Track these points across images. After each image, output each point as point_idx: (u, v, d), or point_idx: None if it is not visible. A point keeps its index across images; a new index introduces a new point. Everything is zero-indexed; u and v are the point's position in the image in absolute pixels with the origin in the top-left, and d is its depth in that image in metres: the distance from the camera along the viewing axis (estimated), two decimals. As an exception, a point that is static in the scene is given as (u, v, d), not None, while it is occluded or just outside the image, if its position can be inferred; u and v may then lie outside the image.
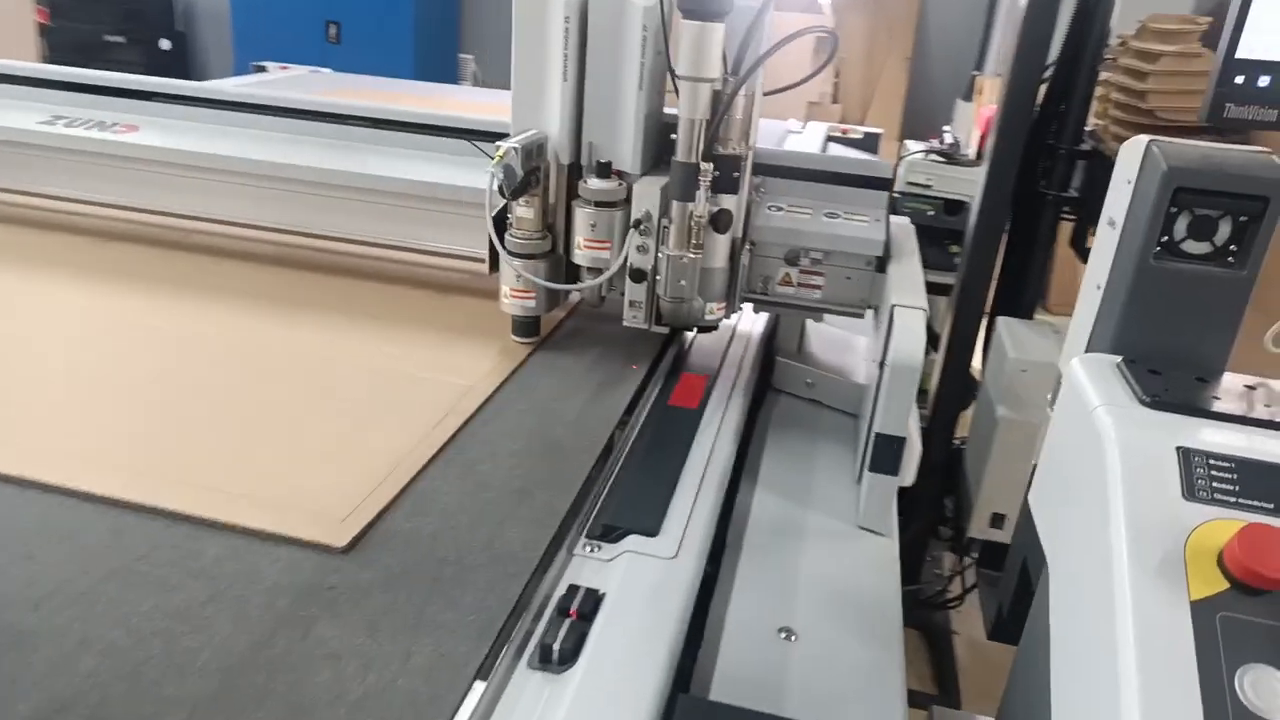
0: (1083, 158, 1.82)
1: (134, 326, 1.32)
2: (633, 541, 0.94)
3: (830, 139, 3.41)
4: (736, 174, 1.20)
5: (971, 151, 3.55)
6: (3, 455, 0.97)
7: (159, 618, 0.78)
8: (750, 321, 1.57)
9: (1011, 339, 1.67)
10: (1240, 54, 0.68)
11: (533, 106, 1.29)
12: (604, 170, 1.26)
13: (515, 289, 1.33)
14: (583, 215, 1.27)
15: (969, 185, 2.47)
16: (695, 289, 1.23)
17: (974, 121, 4.59)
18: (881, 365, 1.12)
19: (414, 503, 0.97)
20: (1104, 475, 0.60)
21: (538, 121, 1.29)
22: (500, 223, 1.31)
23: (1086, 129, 1.83)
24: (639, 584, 0.88)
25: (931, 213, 3.27)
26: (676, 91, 1.19)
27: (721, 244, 1.25)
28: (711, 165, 1.15)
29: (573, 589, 0.86)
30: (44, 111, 1.67)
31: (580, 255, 1.30)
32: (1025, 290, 1.98)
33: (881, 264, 1.31)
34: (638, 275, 1.25)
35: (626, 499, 1.00)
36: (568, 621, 0.81)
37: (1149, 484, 0.58)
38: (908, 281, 1.23)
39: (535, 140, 1.26)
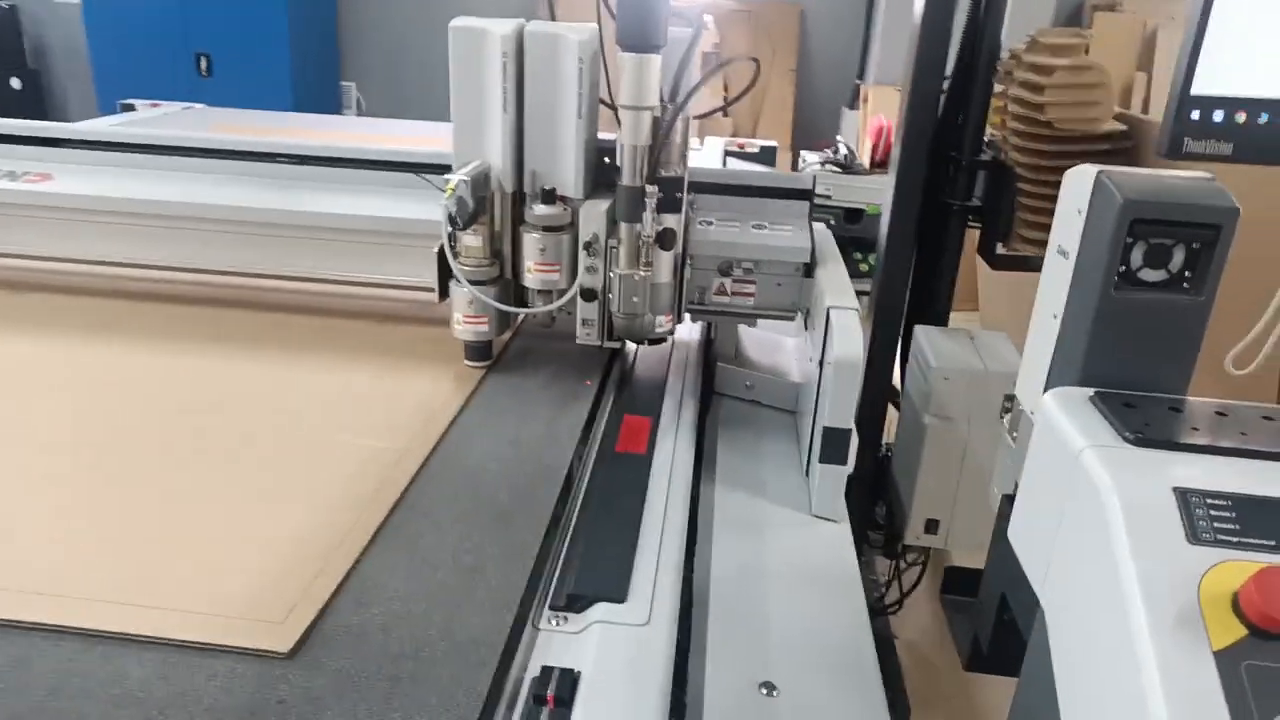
0: (983, 168, 1.87)
1: (34, 386, 1.20)
2: (601, 610, 0.89)
3: (728, 153, 3.45)
4: (678, 194, 1.27)
5: (865, 160, 3.64)
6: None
7: (83, 764, 0.69)
8: (687, 330, 1.61)
9: (931, 347, 1.70)
10: (1195, 90, 0.70)
11: (474, 138, 1.32)
12: (549, 196, 1.31)
13: (468, 315, 1.36)
14: (531, 240, 1.32)
15: (866, 194, 2.54)
16: (647, 304, 1.30)
17: (862, 130, 4.73)
18: (821, 363, 1.22)
19: (358, 592, 0.89)
20: (1103, 522, 0.59)
21: (479, 152, 1.33)
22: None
23: (985, 139, 1.88)
24: (614, 657, 0.83)
25: (832, 222, 3.34)
26: (618, 120, 1.24)
27: (666, 260, 1.32)
28: (655, 188, 1.22)
29: (546, 671, 0.80)
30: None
31: (531, 278, 1.35)
32: (938, 298, 2.02)
33: (809, 270, 1.41)
34: (589, 295, 1.32)
35: (587, 564, 0.95)
36: (546, 711, 0.76)
37: (1152, 530, 0.57)
38: (837, 284, 1.31)
39: (481, 171, 1.30)
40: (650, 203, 1.22)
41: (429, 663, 0.80)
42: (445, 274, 1.35)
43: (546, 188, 1.31)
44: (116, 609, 0.84)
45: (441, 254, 1.32)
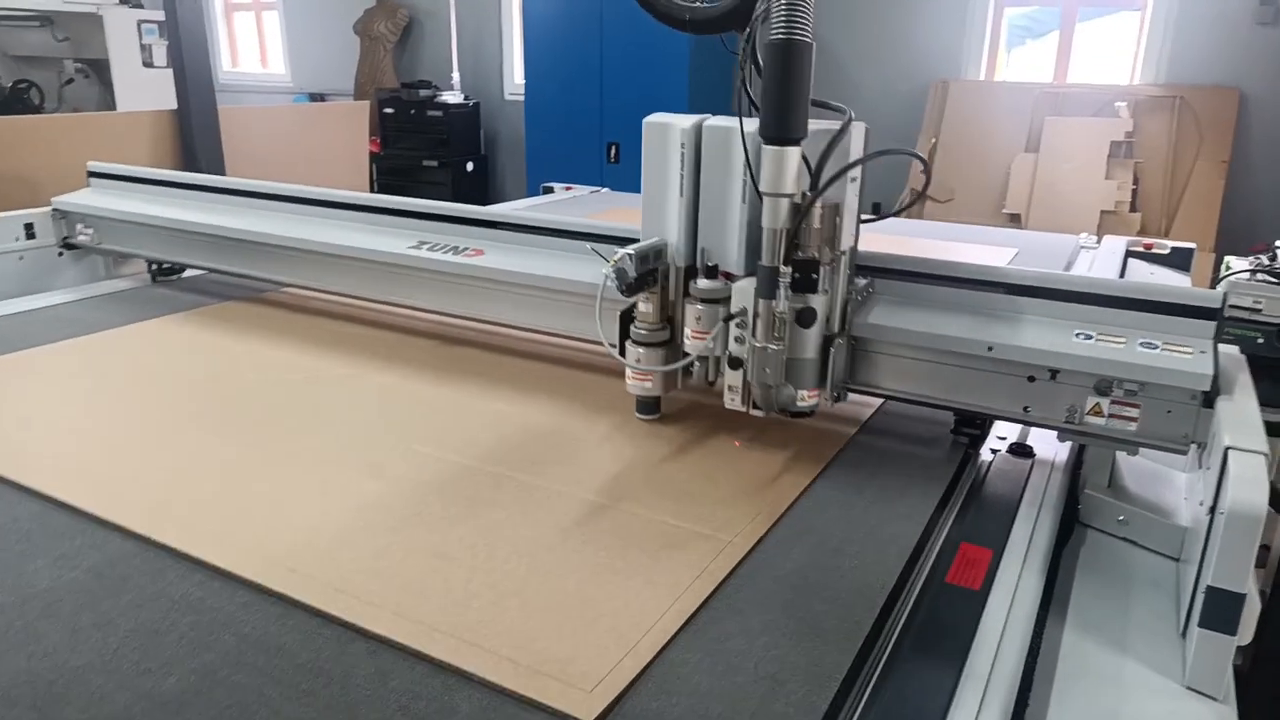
0: None
1: (460, 431, 1.42)
2: (902, 757, 0.82)
3: (1131, 254, 3.09)
4: (815, 275, 1.30)
5: (1313, 271, 3.05)
6: (285, 577, 1.06)
7: (412, 782, 0.78)
8: (1053, 450, 1.48)
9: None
10: None
11: (657, 217, 1.49)
12: (711, 272, 1.43)
13: (636, 373, 1.52)
14: (691, 310, 1.45)
15: (1309, 310, 2.12)
16: (780, 376, 1.35)
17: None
18: (1213, 511, 1.03)
19: (660, 679, 0.92)
20: None
21: (661, 230, 1.49)
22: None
23: None
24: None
25: (1260, 340, 2.84)
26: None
27: (811, 337, 1.37)
28: (790, 269, 1.28)
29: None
30: (411, 238, 1.92)
31: (689, 344, 1.46)
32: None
33: (1209, 399, 1.22)
34: (734, 363, 1.40)
35: (895, 699, 0.89)
36: None
37: None
38: (1243, 420, 1.13)
39: (654, 246, 1.46)
40: (784, 282, 1.28)
41: (717, 769, 0.80)
42: (624, 334, 1.51)
43: (710, 264, 1.43)
44: (463, 646, 0.95)
45: (623, 316, 1.50)
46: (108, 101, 7.18)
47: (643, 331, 1.49)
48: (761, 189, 1.29)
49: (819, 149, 1.31)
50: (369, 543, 1.16)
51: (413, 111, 7.20)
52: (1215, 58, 4.96)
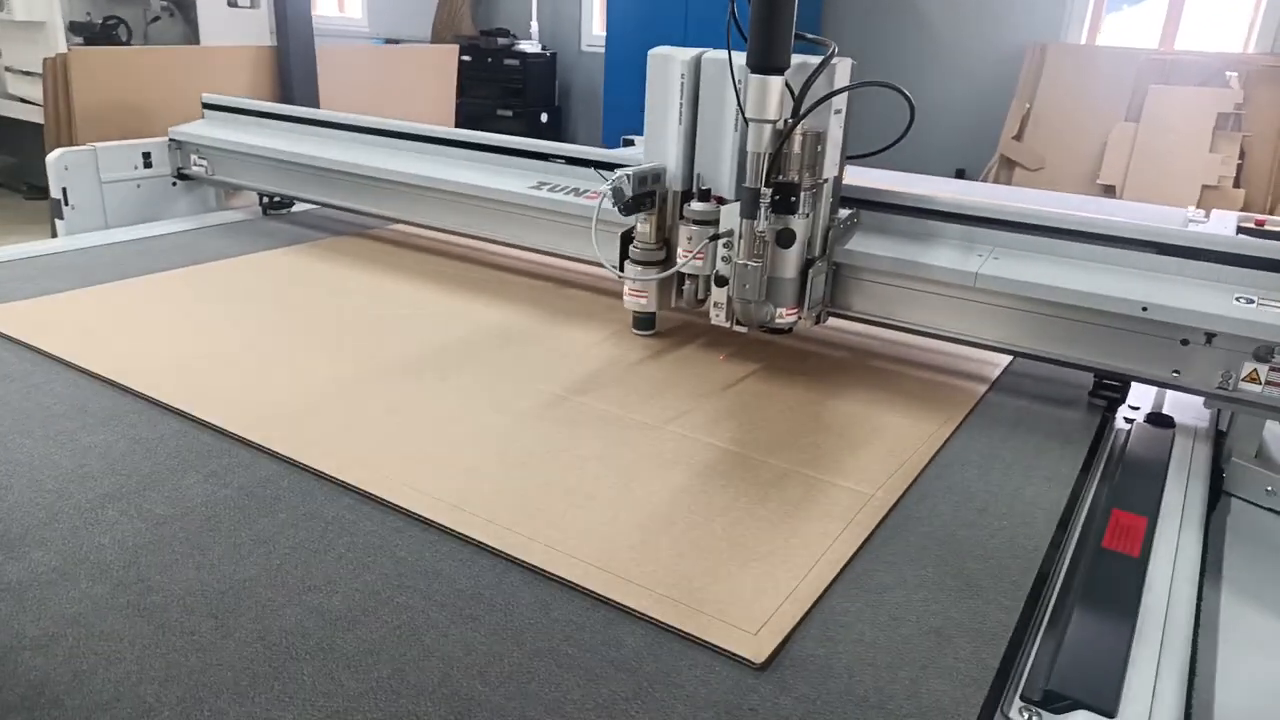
0: None
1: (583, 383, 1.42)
2: (1083, 718, 0.80)
3: (1241, 230, 2.97)
4: (794, 199, 1.34)
5: None
6: (433, 505, 1.07)
7: (589, 708, 0.78)
8: (1194, 416, 1.45)
9: None
10: None
11: (659, 143, 1.58)
12: (704, 195, 1.51)
13: (632, 289, 1.60)
14: (683, 231, 1.53)
15: None
16: (760, 293, 1.40)
17: None
18: None
19: (823, 626, 0.91)
20: None
21: (662, 155, 1.58)
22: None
23: None
24: (1098, 777, 0.75)
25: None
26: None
27: (790, 258, 1.43)
28: (770, 190, 1.34)
29: (1018, 767, 0.74)
30: (532, 178, 1.91)
31: (681, 262, 1.53)
32: None
33: None
34: (720, 280, 1.48)
35: (1069, 662, 0.86)
36: (1016, 809, 0.70)
37: None
38: None
39: (652, 170, 1.53)
40: (764, 203, 1.34)
41: (894, 718, 0.79)
42: (624, 254, 1.60)
43: (703, 188, 1.51)
44: (620, 582, 0.95)
45: (624, 236, 1.59)
46: (191, 39, 7.26)
47: (640, 251, 1.58)
48: (747, 114, 1.35)
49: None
50: (506, 476, 1.16)
51: (489, 60, 7.15)
52: (1338, 26, 4.68)
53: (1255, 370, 1.27)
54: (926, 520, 1.11)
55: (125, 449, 1.19)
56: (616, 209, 1.49)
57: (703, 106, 1.52)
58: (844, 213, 1.52)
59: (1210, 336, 1.29)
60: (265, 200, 2.41)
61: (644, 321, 1.68)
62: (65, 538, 1.00)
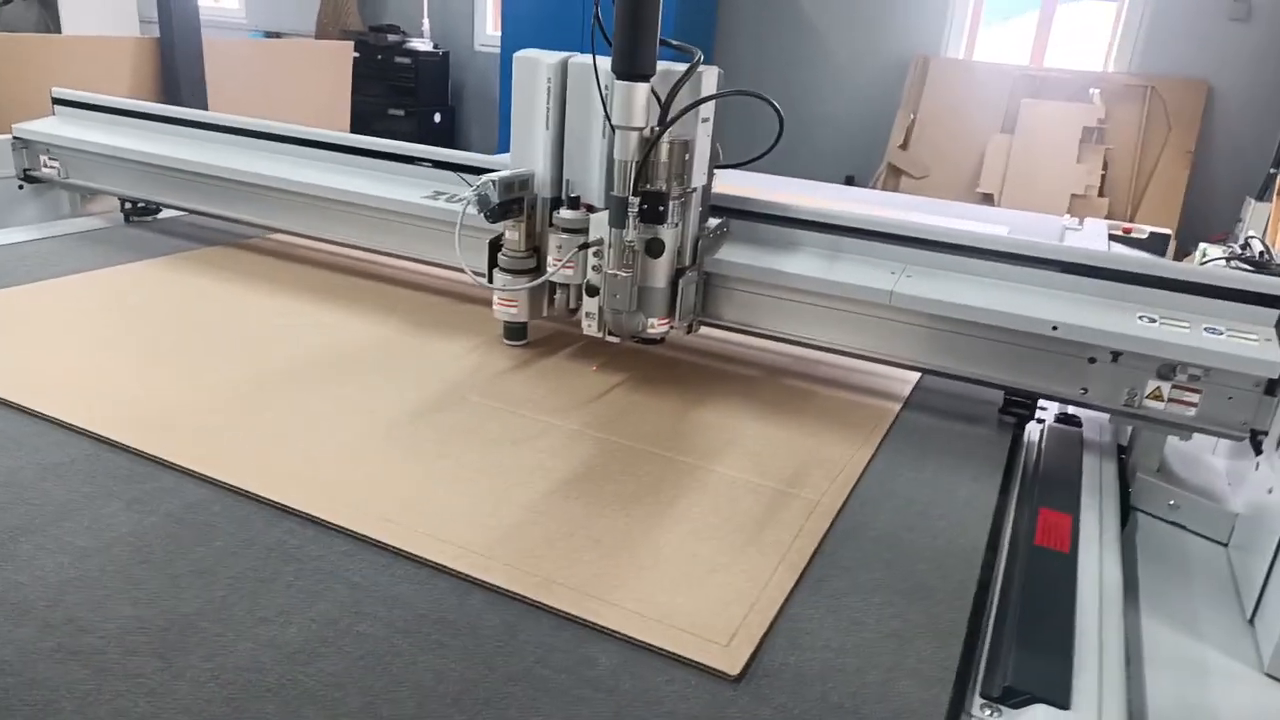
0: None
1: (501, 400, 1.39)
2: (1043, 713, 0.84)
3: (1112, 238, 3.19)
4: (662, 208, 1.35)
5: (1282, 258, 3.18)
6: (381, 526, 1.03)
7: (571, 733, 0.77)
8: (1097, 431, 1.50)
9: None
10: None
11: (525, 150, 1.55)
12: (574, 203, 1.50)
13: (503, 298, 1.59)
14: (554, 239, 1.51)
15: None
16: (629, 303, 1.40)
17: (1276, 224, 4.15)
18: None
19: (789, 634, 0.92)
20: None
21: (529, 161, 1.55)
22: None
23: None
24: (1060, 768, 0.79)
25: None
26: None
27: (660, 267, 1.43)
28: (638, 200, 1.34)
29: (989, 762, 0.78)
30: (426, 188, 1.83)
31: (552, 273, 1.52)
32: None
33: (1271, 386, 1.25)
34: (591, 290, 1.47)
35: (1023, 658, 0.91)
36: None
37: None
38: None
39: (519, 176, 1.50)
40: (632, 212, 1.34)
41: (869, 722, 0.81)
42: (492, 263, 1.59)
43: (572, 195, 1.50)
44: (586, 599, 0.94)
45: (492, 244, 1.58)
46: (49, 26, 6.77)
47: (509, 259, 1.57)
48: (613, 121, 1.34)
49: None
50: (455, 493, 1.13)
51: (379, 57, 6.96)
52: (1187, 50, 5.10)
53: (1159, 388, 1.33)
54: (872, 525, 1.15)
55: (33, 476, 1.10)
56: (482, 215, 1.46)
57: (570, 112, 1.50)
58: (714, 222, 1.54)
59: (1116, 355, 1.34)
60: (128, 206, 2.22)
61: (515, 331, 1.64)
62: (-25, 577, 0.91)
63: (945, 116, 5.46)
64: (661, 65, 1.34)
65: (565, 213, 1.49)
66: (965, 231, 1.48)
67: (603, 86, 1.39)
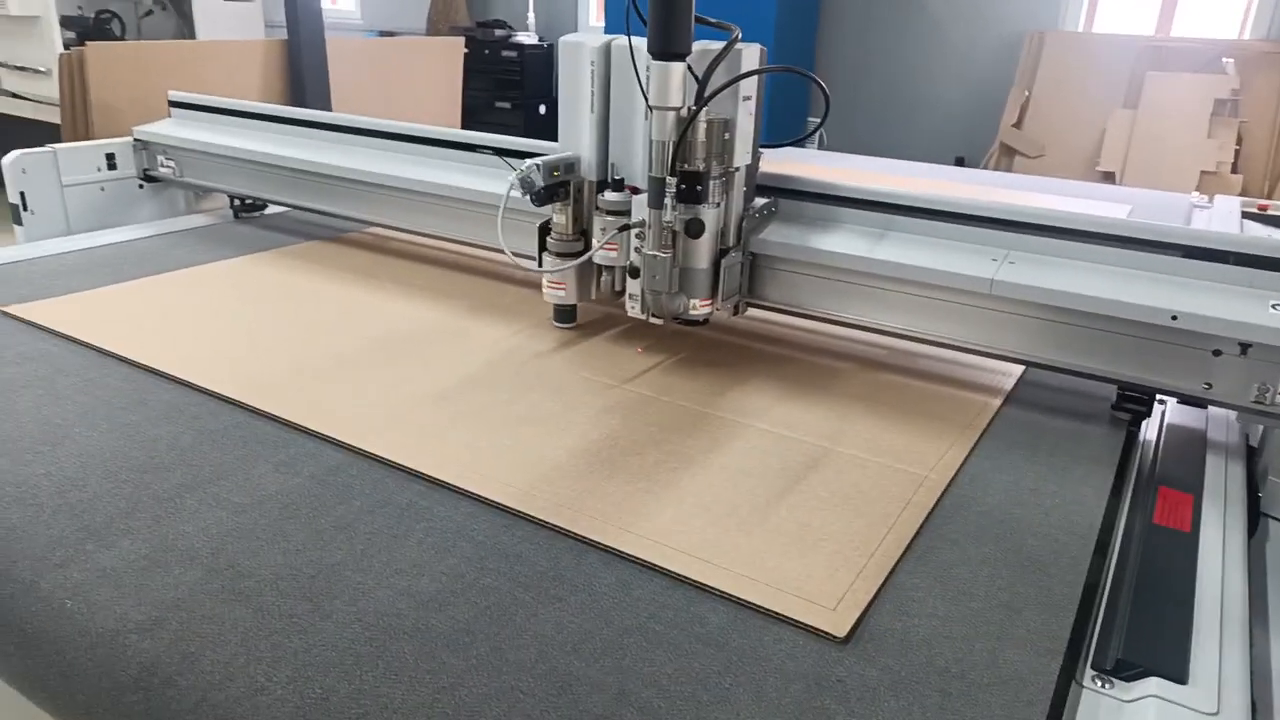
0: None
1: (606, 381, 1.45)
2: (1156, 685, 0.84)
3: (1246, 215, 3.01)
4: (700, 187, 1.34)
5: None
6: (513, 494, 1.09)
7: (684, 681, 0.81)
8: (1223, 432, 1.41)
9: None
10: None
11: (573, 133, 1.56)
12: (618, 185, 1.51)
13: (552, 281, 1.60)
14: (598, 222, 1.52)
15: None
16: (670, 284, 1.40)
17: None
18: None
19: (896, 601, 0.94)
20: None
21: (576, 145, 1.56)
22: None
23: None
24: (1174, 738, 0.78)
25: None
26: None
27: (701, 248, 1.41)
28: (675, 179, 1.33)
29: (1100, 730, 0.78)
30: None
31: (598, 256, 1.53)
32: None
33: None
34: (634, 272, 1.47)
35: (1137, 633, 0.90)
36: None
37: None
38: None
39: (564, 159, 1.52)
40: (670, 192, 1.33)
41: (977, 687, 0.82)
42: (542, 246, 1.60)
43: (618, 178, 1.51)
44: (696, 562, 0.98)
45: (541, 228, 1.58)
46: (185, 34, 7.21)
47: (557, 242, 1.58)
48: (650, 102, 1.33)
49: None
50: (571, 464, 1.19)
51: (486, 51, 7.14)
52: (1334, 13, 4.74)
53: None
54: (980, 500, 1.15)
55: (192, 440, 1.21)
56: (529, 199, 1.48)
57: (614, 95, 1.51)
58: (759, 201, 1.51)
59: (1245, 347, 1.23)
60: (237, 203, 2.33)
61: (565, 314, 1.66)
62: (149, 526, 1.02)
63: (1062, 93, 5.23)
64: (701, 44, 1.32)
65: (608, 195, 1.50)
66: (1071, 214, 1.38)
67: (641, 68, 1.39)
